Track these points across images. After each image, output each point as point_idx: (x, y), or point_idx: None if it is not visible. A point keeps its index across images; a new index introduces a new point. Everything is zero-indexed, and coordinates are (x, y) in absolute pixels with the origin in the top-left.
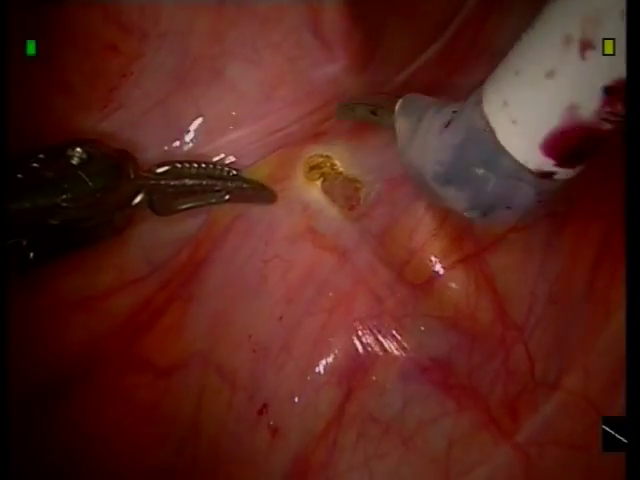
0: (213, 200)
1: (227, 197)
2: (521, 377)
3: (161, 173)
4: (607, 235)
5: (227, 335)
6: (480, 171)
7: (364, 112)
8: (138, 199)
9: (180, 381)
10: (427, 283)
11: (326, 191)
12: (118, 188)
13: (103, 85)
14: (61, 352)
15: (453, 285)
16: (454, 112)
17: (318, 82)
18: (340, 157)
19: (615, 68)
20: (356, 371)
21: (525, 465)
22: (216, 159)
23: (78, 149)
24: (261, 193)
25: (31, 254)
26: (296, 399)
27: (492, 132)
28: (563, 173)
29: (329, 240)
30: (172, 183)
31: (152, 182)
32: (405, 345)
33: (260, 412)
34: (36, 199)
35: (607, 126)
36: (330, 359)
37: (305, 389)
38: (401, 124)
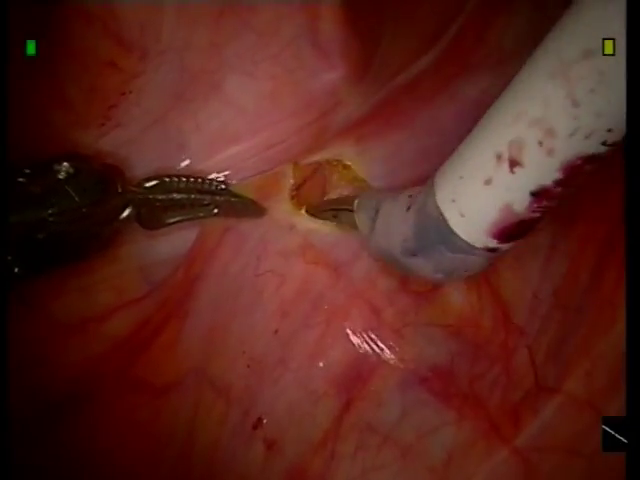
0: (201, 214)
1: (215, 211)
2: (524, 382)
3: (149, 187)
4: (611, 239)
5: (222, 351)
6: (439, 247)
7: (328, 216)
8: (126, 213)
9: (176, 398)
10: (430, 291)
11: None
12: (105, 202)
13: (101, 102)
14: (60, 374)
15: (456, 293)
16: (410, 196)
17: (316, 92)
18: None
19: (539, 178)
20: (355, 381)
21: (525, 471)
22: (215, 174)
23: (65, 163)
24: (250, 207)
25: (16, 269)
26: (293, 411)
27: (445, 221)
28: (506, 246)
29: (325, 252)
30: (160, 197)
31: (140, 196)
32: (405, 355)
33: (255, 426)
34: (22, 214)
35: (537, 215)
36: (328, 370)
37: (302, 401)
38: (361, 219)
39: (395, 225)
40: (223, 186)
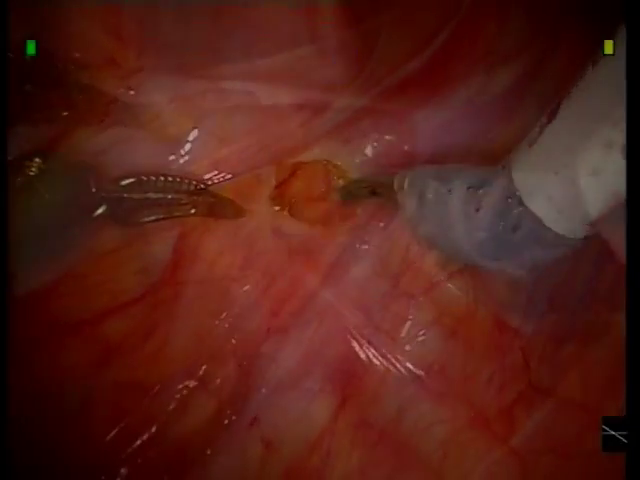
0: (178, 213)
1: (193, 211)
2: (518, 383)
3: (125, 185)
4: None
5: (211, 351)
6: (528, 245)
7: (364, 193)
8: (99, 211)
9: (167, 399)
10: (424, 293)
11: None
12: (77, 201)
13: (101, 98)
14: (55, 377)
15: (451, 294)
16: (469, 188)
17: (313, 90)
18: None
19: None
20: (350, 378)
21: (521, 471)
22: (212, 173)
23: (37, 159)
24: (229, 208)
25: None
26: (289, 409)
27: (539, 220)
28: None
29: (312, 252)
30: (136, 196)
31: (115, 195)
32: (400, 352)
33: (251, 424)
34: None
35: None
36: (323, 368)
37: (298, 398)
38: (405, 200)
39: (461, 226)
40: (202, 186)
